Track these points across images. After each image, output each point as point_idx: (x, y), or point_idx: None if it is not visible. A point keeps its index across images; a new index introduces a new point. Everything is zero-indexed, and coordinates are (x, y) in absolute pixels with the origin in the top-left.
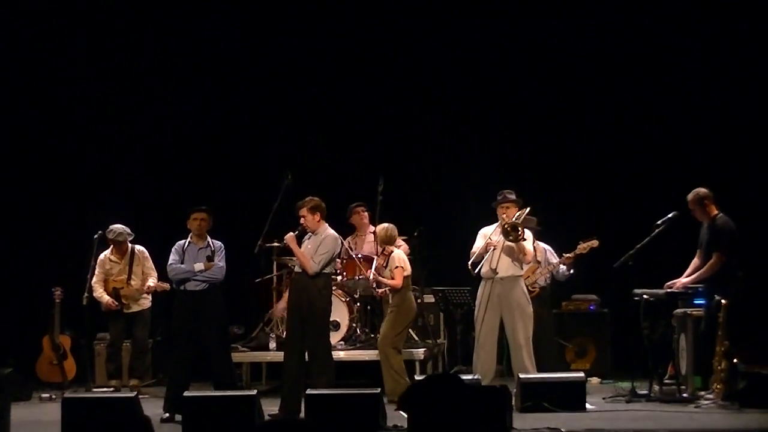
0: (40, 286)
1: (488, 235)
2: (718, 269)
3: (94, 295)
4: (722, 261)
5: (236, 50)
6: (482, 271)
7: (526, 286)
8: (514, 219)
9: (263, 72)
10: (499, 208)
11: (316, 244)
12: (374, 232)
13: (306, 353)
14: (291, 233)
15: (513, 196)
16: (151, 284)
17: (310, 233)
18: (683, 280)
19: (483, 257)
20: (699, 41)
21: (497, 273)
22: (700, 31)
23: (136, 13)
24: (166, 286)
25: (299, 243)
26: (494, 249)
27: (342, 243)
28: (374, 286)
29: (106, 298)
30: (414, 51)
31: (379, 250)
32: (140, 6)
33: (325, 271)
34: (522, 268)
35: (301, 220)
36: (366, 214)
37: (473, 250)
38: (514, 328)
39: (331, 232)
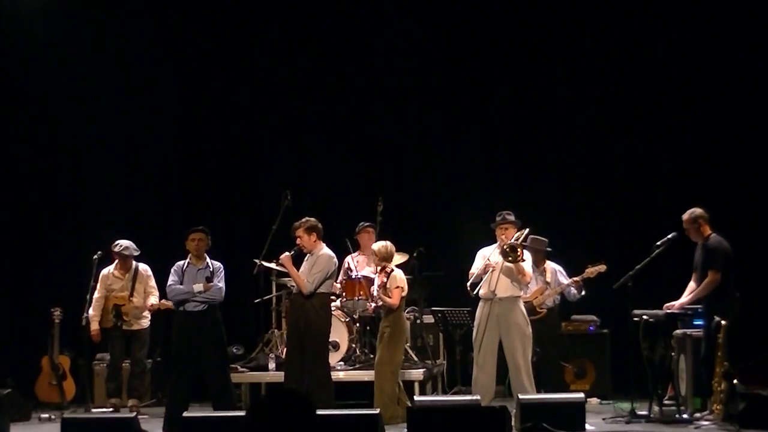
0: (39, 307)
1: (487, 256)
2: (714, 287)
3: (90, 312)
4: (717, 279)
5: (236, 71)
6: (481, 292)
7: (534, 307)
8: (512, 240)
9: (262, 93)
10: (498, 229)
11: (311, 264)
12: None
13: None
14: (287, 253)
15: (512, 217)
16: (154, 302)
17: (307, 254)
18: (681, 300)
19: (482, 278)
20: (702, 64)
21: (496, 294)
22: (704, 53)
23: (135, 34)
24: (169, 304)
25: (298, 263)
26: (493, 270)
27: (336, 263)
28: (377, 303)
29: (94, 326)
30: (414, 70)
31: (378, 268)
32: (139, 26)
33: (321, 290)
34: (521, 289)
35: (298, 241)
36: (374, 233)
37: (472, 270)
38: (513, 349)
39: (326, 251)
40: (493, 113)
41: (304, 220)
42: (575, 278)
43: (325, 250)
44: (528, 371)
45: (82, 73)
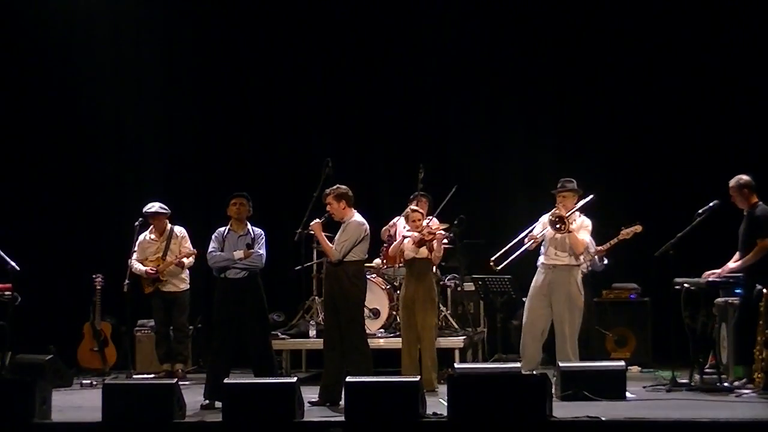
0: (81, 273)
1: (545, 222)
2: (762, 257)
3: (133, 270)
4: (766, 246)
5: (279, 40)
6: (539, 260)
7: None
8: (569, 212)
9: (304, 61)
10: (558, 196)
11: (341, 232)
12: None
13: (332, 339)
14: (317, 220)
15: (572, 185)
16: (185, 261)
17: (340, 221)
18: (728, 266)
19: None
20: (746, 36)
21: (551, 261)
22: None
23: (175, 6)
24: (192, 251)
25: (333, 231)
26: (551, 237)
27: (366, 230)
28: (424, 235)
29: (143, 268)
30: (456, 37)
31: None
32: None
33: (353, 258)
34: (577, 259)
35: (328, 208)
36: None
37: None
38: (562, 318)
39: (357, 218)
40: (534, 78)
41: (334, 187)
42: (601, 246)
43: (356, 217)
44: (573, 341)
45: (124, 43)
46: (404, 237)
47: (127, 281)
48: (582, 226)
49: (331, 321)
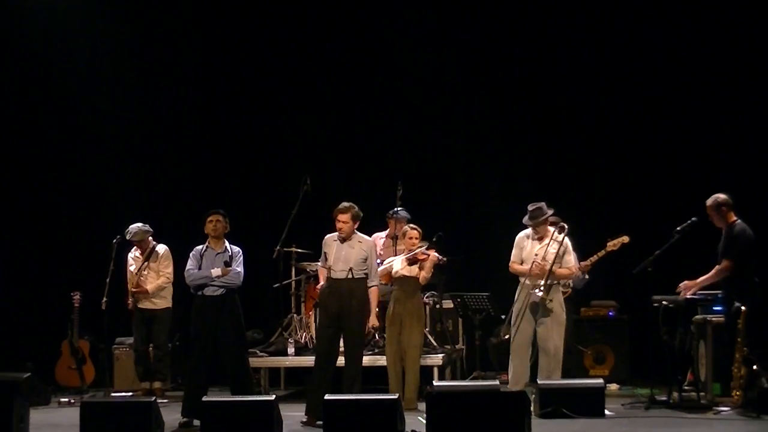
0: (59, 291)
1: (526, 247)
2: (726, 275)
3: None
4: (729, 266)
5: (256, 55)
6: (521, 277)
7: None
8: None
9: (283, 77)
10: (536, 228)
11: (362, 253)
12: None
13: (334, 358)
14: (335, 238)
15: (542, 211)
16: (150, 286)
17: (343, 238)
18: (694, 281)
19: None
20: (728, 42)
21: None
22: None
23: (155, 21)
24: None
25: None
26: (535, 256)
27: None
28: (417, 254)
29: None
30: (434, 55)
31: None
32: (162, 10)
33: (363, 275)
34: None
35: (338, 225)
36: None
37: (513, 260)
38: (547, 335)
39: (367, 237)
40: (511, 95)
41: (348, 205)
42: (585, 262)
43: (365, 236)
44: (558, 359)
45: (102, 62)
46: (387, 258)
47: (105, 298)
48: (567, 252)
49: (329, 336)
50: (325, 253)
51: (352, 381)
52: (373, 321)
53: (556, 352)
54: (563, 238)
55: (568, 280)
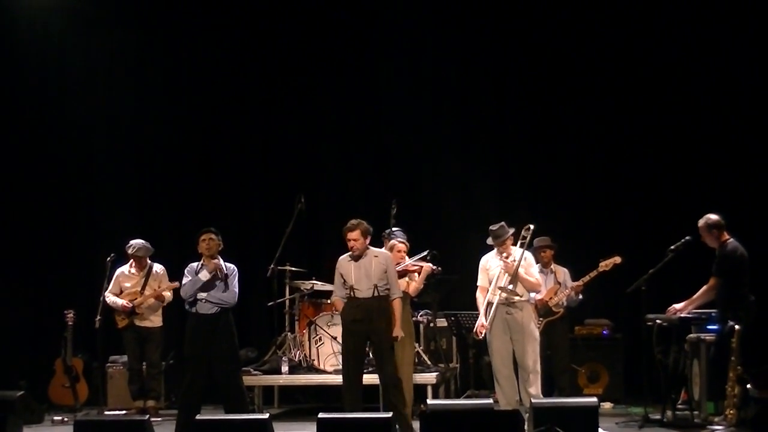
0: (52, 309)
1: (491, 268)
2: (715, 294)
3: (108, 301)
4: (716, 284)
5: (251, 72)
6: (489, 297)
7: (551, 308)
8: (514, 264)
9: (277, 94)
10: (501, 247)
11: (381, 266)
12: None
13: (361, 377)
14: (349, 259)
15: (503, 230)
16: (166, 293)
17: (357, 256)
18: (683, 304)
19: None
20: (722, 61)
21: (505, 299)
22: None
23: (149, 32)
24: (174, 284)
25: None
26: (501, 273)
27: None
28: (407, 266)
29: (119, 301)
30: (428, 74)
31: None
32: (153, 25)
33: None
34: (528, 294)
35: (351, 243)
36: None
37: (479, 283)
38: (524, 351)
39: (383, 251)
40: (506, 115)
41: (357, 222)
42: (576, 282)
43: (379, 249)
44: (537, 374)
45: (95, 74)
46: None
47: (98, 317)
48: (529, 265)
49: (355, 354)
50: (341, 275)
51: (397, 390)
52: (397, 332)
53: (534, 366)
54: (528, 239)
55: (532, 292)
